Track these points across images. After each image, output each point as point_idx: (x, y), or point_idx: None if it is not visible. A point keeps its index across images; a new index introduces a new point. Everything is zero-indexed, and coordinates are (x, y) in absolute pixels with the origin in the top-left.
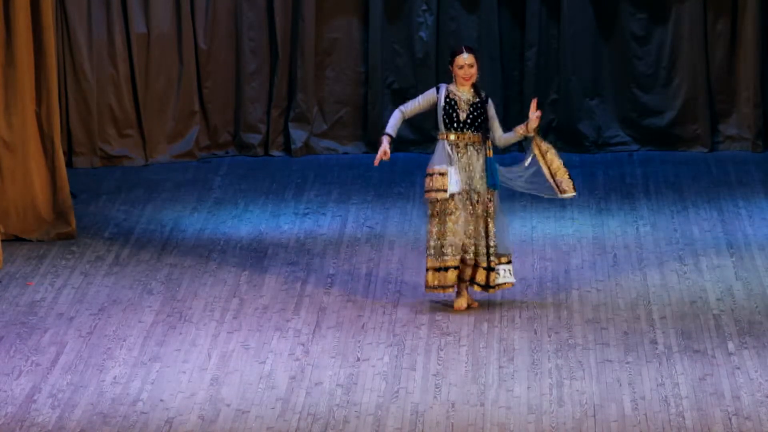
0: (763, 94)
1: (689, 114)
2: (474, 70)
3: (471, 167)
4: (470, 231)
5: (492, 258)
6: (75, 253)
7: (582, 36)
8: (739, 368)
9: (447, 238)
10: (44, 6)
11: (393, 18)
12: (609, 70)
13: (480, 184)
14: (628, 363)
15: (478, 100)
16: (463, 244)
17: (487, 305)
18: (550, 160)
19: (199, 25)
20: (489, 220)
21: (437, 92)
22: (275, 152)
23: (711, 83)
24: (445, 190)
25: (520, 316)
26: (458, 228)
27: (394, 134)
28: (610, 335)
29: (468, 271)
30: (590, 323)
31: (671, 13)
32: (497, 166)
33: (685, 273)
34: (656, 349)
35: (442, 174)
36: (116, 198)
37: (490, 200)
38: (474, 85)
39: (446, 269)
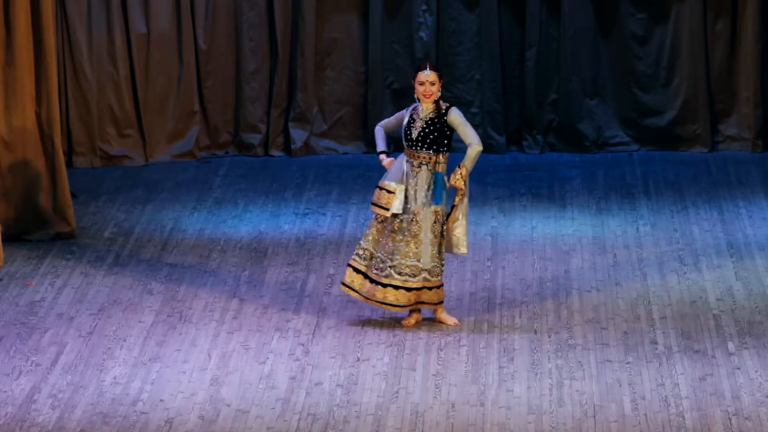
0: (763, 94)
1: (689, 114)
2: (435, 88)
3: (418, 186)
4: (391, 248)
5: (408, 278)
6: (75, 253)
7: (582, 36)
8: (739, 368)
9: (368, 245)
10: (44, 6)
11: (393, 18)
12: (609, 70)
13: (423, 203)
14: (628, 363)
15: (434, 116)
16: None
17: (487, 305)
18: (454, 217)
19: (199, 25)
20: (415, 242)
21: (407, 110)
22: (275, 152)
23: (711, 83)
24: (388, 209)
25: (520, 316)
26: (398, 247)
27: (386, 148)
28: (610, 335)
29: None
30: (590, 323)
31: (671, 13)
32: (444, 182)
33: (685, 273)
34: (656, 349)
35: (390, 191)
36: (116, 198)
37: (435, 222)
38: (436, 101)
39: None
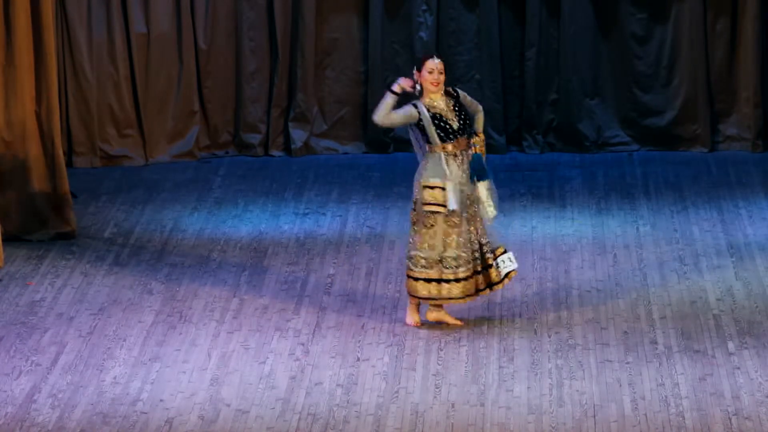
0: (763, 94)
1: (689, 114)
2: (443, 77)
3: (465, 173)
4: (464, 242)
5: (487, 255)
6: (75, 253)
7: (582, 36)
8: (739, 368)
9: (452, 251)
10: (44, 6)
11: (393, 18)
12: (609, 70)
13: (471, 187)
14: (628, 363)
15: (455, 101)
16: (459, 256)
17: (487, 305)
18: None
19: (199, 25)
20: (478, 220)
21: (416, 108)
22: (275, 152)
23: (711, 83)
24: (445, 206)
25: (520, 316)
26: (461, 241)
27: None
28: (610, 335)
29: (469, 285)
30: (590, 323)
31: (671, 13)
32: (481, 158)
33: (685, 273)
34: (656, 349)
35: (443, 188)
36: (116, 198)
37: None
38: (445, 91)
39: (457, 280)
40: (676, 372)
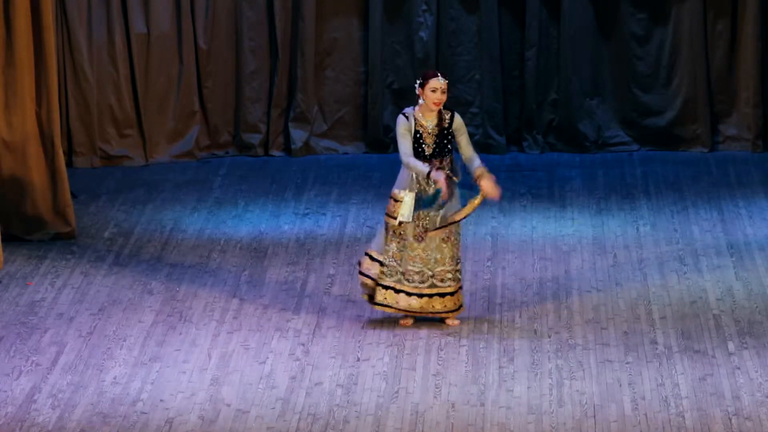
0: (763, 94)
1: (689, 114)
2: (445, 97)
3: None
4: (436, 258)
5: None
6: (75, 253)
7: (582, 36)
8: (739, 368)
9: (412, 264)
10: (44, 6)
11: (393, 18)
12: (609, 70)
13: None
14: (628, 363)
15: (441, 126)
16: (422, 272)
17: (487, 305)
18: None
19: (199, 25)
20: (454, 241)
21: (408, 121)
22: (275, 152)
23: (711, 83)
24: (395, 218)
25: (520, 316)
26: (427, 256)
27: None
28: (610, 335)
29: (429, 303)
30: (590, 323)
31: (671, 13)
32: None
33: (685, 273)
34: (656, 349)
35: (396, 201)
36: (116, 198)
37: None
38: (438, 110)
39: (409, 294)
40: (676, 372)
